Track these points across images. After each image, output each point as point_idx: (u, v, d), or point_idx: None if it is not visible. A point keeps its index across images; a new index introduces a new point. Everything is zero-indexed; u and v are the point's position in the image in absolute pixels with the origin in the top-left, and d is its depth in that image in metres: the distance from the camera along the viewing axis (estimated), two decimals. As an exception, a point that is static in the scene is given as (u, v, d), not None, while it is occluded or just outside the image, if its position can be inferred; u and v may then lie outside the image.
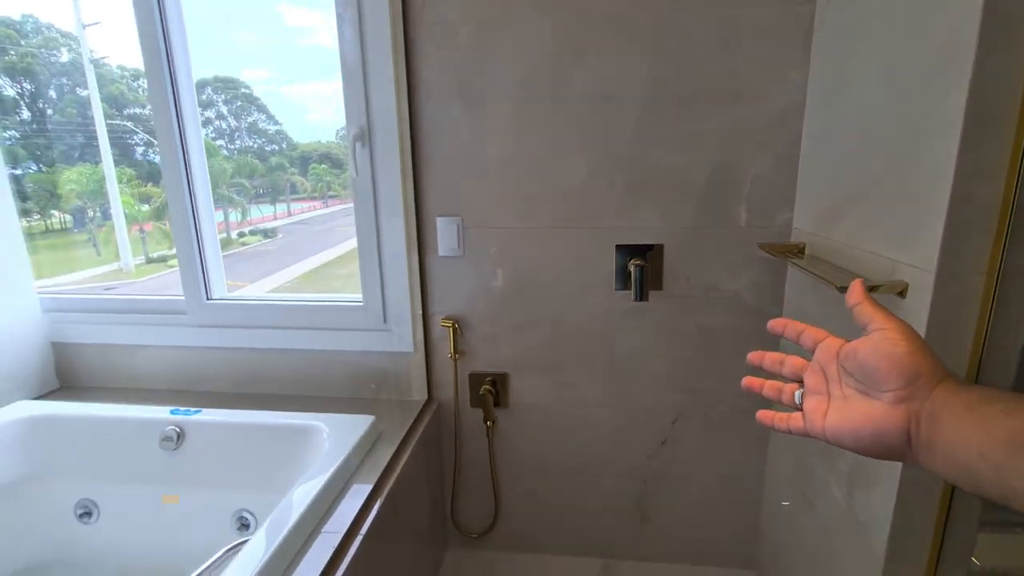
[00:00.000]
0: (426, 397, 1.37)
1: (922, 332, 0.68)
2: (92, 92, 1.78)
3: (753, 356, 0.53)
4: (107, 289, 1.81)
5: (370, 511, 0.98)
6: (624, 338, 1.27)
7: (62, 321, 1.50)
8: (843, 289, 0.67)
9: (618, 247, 1.22)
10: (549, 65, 1.14)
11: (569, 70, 1.14)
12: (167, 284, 1.62)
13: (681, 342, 1.25)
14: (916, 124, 0.72)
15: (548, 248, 1.24)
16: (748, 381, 0.53)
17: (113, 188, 1.93)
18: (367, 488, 1.03)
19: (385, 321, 1.33)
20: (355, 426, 1.16)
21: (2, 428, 1.25)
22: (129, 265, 2.06)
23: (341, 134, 2.15)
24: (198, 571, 0.84)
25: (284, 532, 0.86)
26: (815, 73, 1.06)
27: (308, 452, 1.15)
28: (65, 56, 1.91)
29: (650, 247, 1.21)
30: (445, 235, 1.26)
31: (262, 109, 1.91)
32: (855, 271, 0.85)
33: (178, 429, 1.23)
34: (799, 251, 1.07)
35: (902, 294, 0.73)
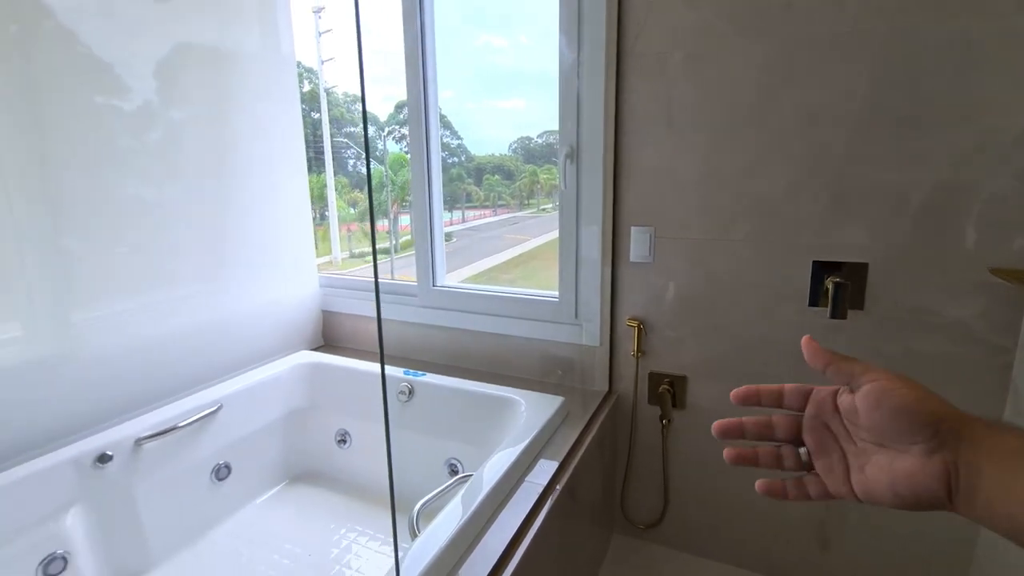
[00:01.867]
0: (607, 389, 1.50)
1: None
2: (323, 115, 2.27)
3: (724, 425, 0.45)
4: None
5: (559, 480, 1.14)
6: (815, 355, 1.25)
7: (330, 295, 1.97)
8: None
9: (816, 263, 1.22)
10: (754, 87, 1.20)
11: (777, 91, 1.18)
12: (366, 275, 2.03)
13: (885, 365, 1.19)
14: None
15: (740, 260, 1.29)
16: (735, 453, 0.46)
17: (331, 194, 2.40)
18: (554, 464, 1.20)
19: (576, 316, 1.51)
20: (548, 404, 1.35)
21: (293, 369, 1.70)
22: (338, 259, 2.55)
23: (513, 147, 2.37)
24: (435, 491, 1.09)
25: (496, 478, 1.06)
26: (1081, 83, 0.95)
27: (508, 420, 1.37)
28: (307, 87, 2.42)
29: (851, 265, 1.18)
30: (638, 243, 1.39)
31: (447, 125, 2.23)
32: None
33: (409, 386, 1.55)
34: (1044, 279, 0.97)
35: None
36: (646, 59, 1.29)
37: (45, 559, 1.09)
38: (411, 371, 1.59)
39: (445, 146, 2.31)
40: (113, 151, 1.31)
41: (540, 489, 1.09)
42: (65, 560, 1.12)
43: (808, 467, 0.44)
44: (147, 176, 1.39)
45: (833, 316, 1.16)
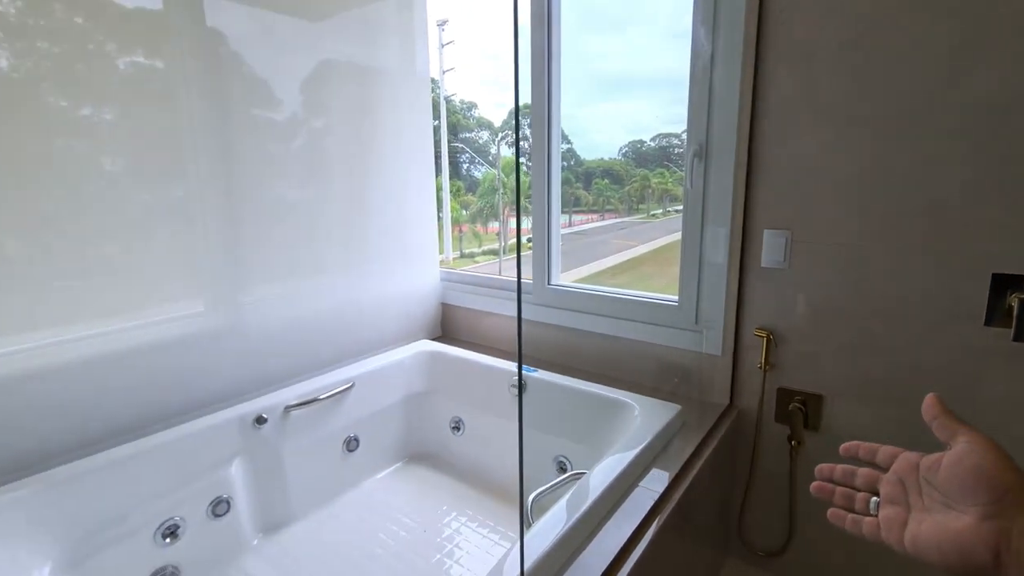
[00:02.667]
0: (727, 402, 1.42)
1: None
2: (442, 121, 2.37)
3: (822, 468, 0.53)
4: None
5: (673, 491, 1.10)
6: (992, 383, 1.08)
7: (448, 288, 2.08)
8: None
9: (996, 276, 1.04)
10: (927, 73, 1.06)
11: (956, 77, 1.03)
12: (479, 273, 2.09)
13: (1086, 404, 0.99)
14: None
15: (899, 270, 1.14)
16: (819, 486, 0.53)
17: (446, 196, 2.50)
18: (667, 475, 1.15)
19: (696, 322, 1.44)
20: (664, 411, 1.31)
21: (415, 356, 1.82)
22: (450, 258, 2.66)
23: (624, 151, 2.30)
24: (549, 485, 1.11)
25: (609, 481, 1.04)
26: None
27: (620, 423, 1.35)
28: (426, 95, 2.52)
29: (1049, 281, 1.00)
30: (771, 247, 1.29)
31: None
32: None
33: (523, 381, 1.58)
34: None
35: None
36: (792, 46, 1.20)
37: (214, 500, 1.28)
38: (525, 367, 1.62)
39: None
40: (266, 156, 1.49)
41: (654, 497, 1.06)
42: (228, 504, 1.31)
43: (872, 513, 0.49)
44: (290, 178, 1.57)
45: (1017, 339, 0.99)
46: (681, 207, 1.43)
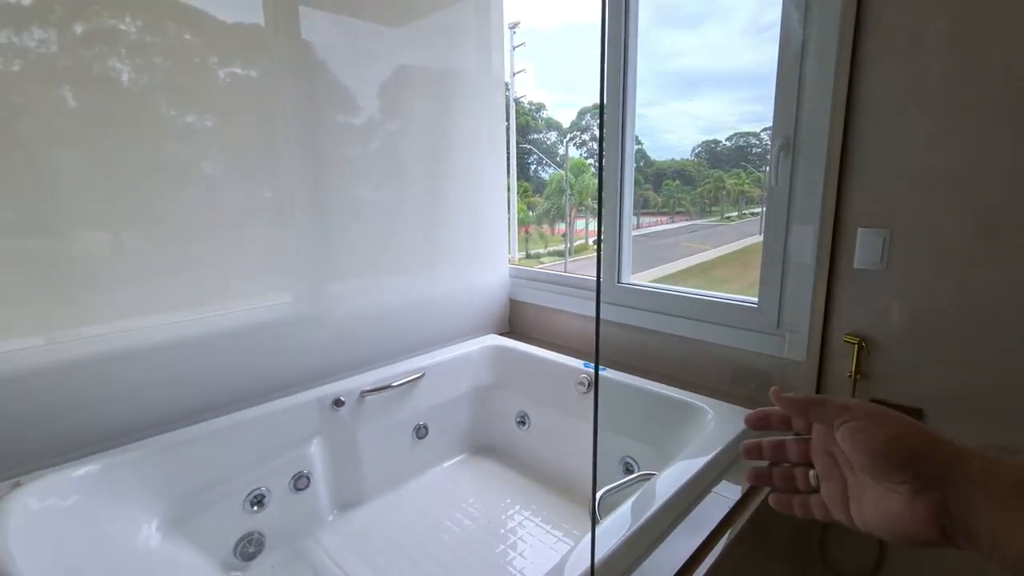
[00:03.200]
0: (810, 411, 1.33)
1: None
2: (511, 123, 2.38)
3: (748, 446, 0.47)
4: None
5: (747, 502, 1.05)
6: None
7: (517, 285, 2.10)
8: None
9: None
10: (1061, 53, 0.94)
11: (1097, 55, 0.91)
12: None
13: None
14: None
15: (1010, 272, 1.03)
16: (754, 475, 0.47)
17: (513, 197, 2.50)
18: (740, 483, 1.10)
19: (778, 326, 1.36)
20: (739, 417, 1.25)
21: (483, 350, 1.85)
22: (515, 258, 2.66)
23: (697, 151, 2.20)
24: (618, 483, 1.09)
25: (679, 485, 1.01)
26: None
27: (691, 427, 1.30)
28: (499, 98, 2.55)
29: None
30: (866, 247, 1.19)
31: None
32: None
33: (588, 379, 1.57)
34: None
35: None
36: (895, 31, 1.10)
37: (296, 475, 1.37)
38: (591, 364, 1.61)
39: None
40: (345, 159, 1.57)
41: (728, 506, 1.01)
42: (308, 479, 1.39)
43: (817, 489, 0.44)
44: (369, 179, 1.64)
45: None
46: (758, 209, 1.36)
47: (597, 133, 1.69)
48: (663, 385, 1.45)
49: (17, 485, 1.00)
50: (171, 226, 1.28)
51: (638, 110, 1.66)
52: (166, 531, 1.14)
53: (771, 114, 1.31)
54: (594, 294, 1.79)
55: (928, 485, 0.35)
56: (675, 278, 2.37)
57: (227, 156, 1.36)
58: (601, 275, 1.75)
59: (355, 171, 1.60)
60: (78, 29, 1.13)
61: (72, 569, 0.91)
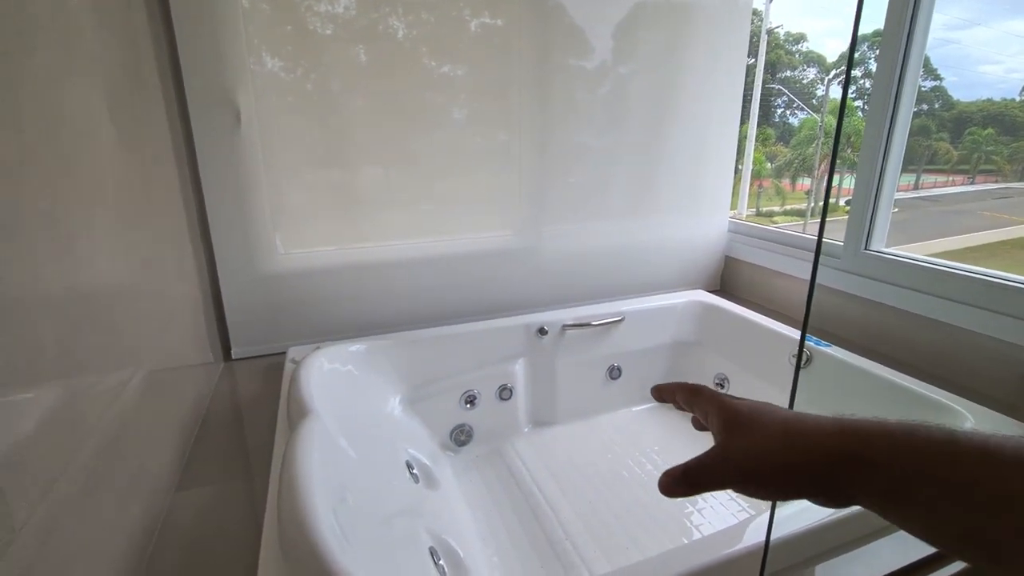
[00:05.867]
0: None
1: None
2: (759, 59, 2.02)
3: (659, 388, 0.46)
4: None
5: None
6: None
7: (735, 241, 1.94)
8: None
9: None
10: None
11: None
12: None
13: None
14: None
15: None
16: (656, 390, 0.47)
17: (750, 146, 2.16)
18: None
19: (1109, 329, 1.01)
20: (1015, 433, 0.99)
21: (688, 304, 1.79)
22: (743, 215, 2.35)
23: None
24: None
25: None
26: None
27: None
28: (744, 29, 2.21)
29: None
30: None
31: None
32: None
33: (809, 353, 1.41)
34: None
35: None
36: None
37: (501, 386, 1.57)
38: (814, 338, 1.43)
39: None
40: (573, 104, 1.61)
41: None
42: (511, 392, 1.59)
43: None
44: (593, 124, 1.66)
45: None
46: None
47: (874, 68, 1.40)
48: (905, 376, 1.22)
49: (317, 348, 1.37)
50: (423, 164, 1.52)
51: (943, 33, 1.31)
52: (404, 406, 1.43)
53: None
54: (833, 260, 1.56)
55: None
56: (961, 255, 1.91)
57: (472, 102, 1.52)
58: (831, 239, 1.51)
59: (582, 116, 1.64)
60: (370, -8, 1.37)
61: (344, 416, 1.23)
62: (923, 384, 1.18)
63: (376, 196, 1.51)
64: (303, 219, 1.47)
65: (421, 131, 1.50)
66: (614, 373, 1.72)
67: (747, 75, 1.94)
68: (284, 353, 1.40)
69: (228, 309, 1.42)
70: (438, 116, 1.50)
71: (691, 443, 1.57)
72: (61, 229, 0.71)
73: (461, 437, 1.53)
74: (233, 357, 1.45)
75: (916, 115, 1.81)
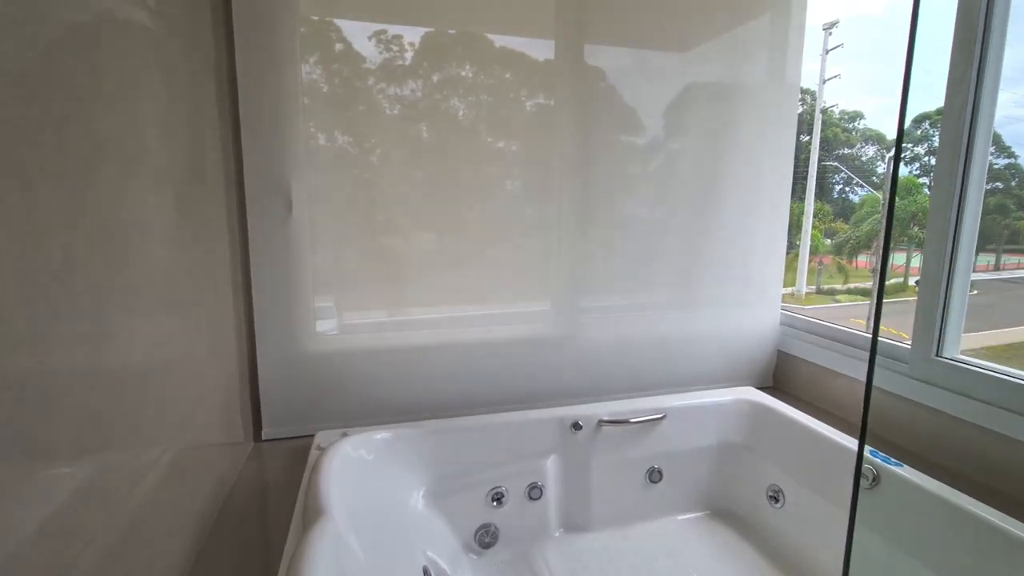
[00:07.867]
0: None
1: None
2: (814, 137, 1.98)
3: None
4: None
5: None
6: None
7: (788, 335, 1.82)
8: None
9: None
10: None
11: None
12: (831, 318, 1.77)
13: None
14: None
15: None
16: None
17: (807, 222, 2.08)
18: None
19: None
20: None
21: (736, 403, 1.67)
22: (802, 293, 2.21)
23: None
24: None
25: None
26: None
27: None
28: (800, 108, 2.19)
29: None
30: None
31: (994, 139, 1.56)
32: None
33: (874, 471, 1.25)
34: None
35: None
36: None
37: (531, 484, 1.48)
38: (880, 453, 1.28)
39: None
40: (623, 177, 1.63)
41: None
42: (541, 491, 1.49)
43: None
44: (644, 198, 1.66)
45: None
46: None
47: (937, 144, 1.32)
48: (992, 510, 1.05)
49: (344, 434, 1.35)
50: (472, 232, 1.56)
51: (1011, 111, 1.25)
52: (428, 500, 1.37)
53: None
54: (902, 364, 1.42)
55: None
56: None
57: (524, 175, 1.58)
58: (901, 336, 1.38)
59: (630, 190, 1.65)
60: (435, 78, 1.47)
61: (362, 510, 1.17)
62: (1012, 521, 1.01)
63: (423, 260, 1.54)
64: (350, 286, 1.52)
65: (475, 201, 1.55)
66: (654, 476, 1.59)
67: (801, 152, 1.90)
68: (313, 436, 1.38)
69: (264, 389, 1.44)
70: (493, 187, 1.57)
71: (743, 563, 1.40)
72: (104, 324, 0.74)
73: (486, 539, 1.43)
74: (264, 438, 1.45)
75: (990, 193, 1.69)
